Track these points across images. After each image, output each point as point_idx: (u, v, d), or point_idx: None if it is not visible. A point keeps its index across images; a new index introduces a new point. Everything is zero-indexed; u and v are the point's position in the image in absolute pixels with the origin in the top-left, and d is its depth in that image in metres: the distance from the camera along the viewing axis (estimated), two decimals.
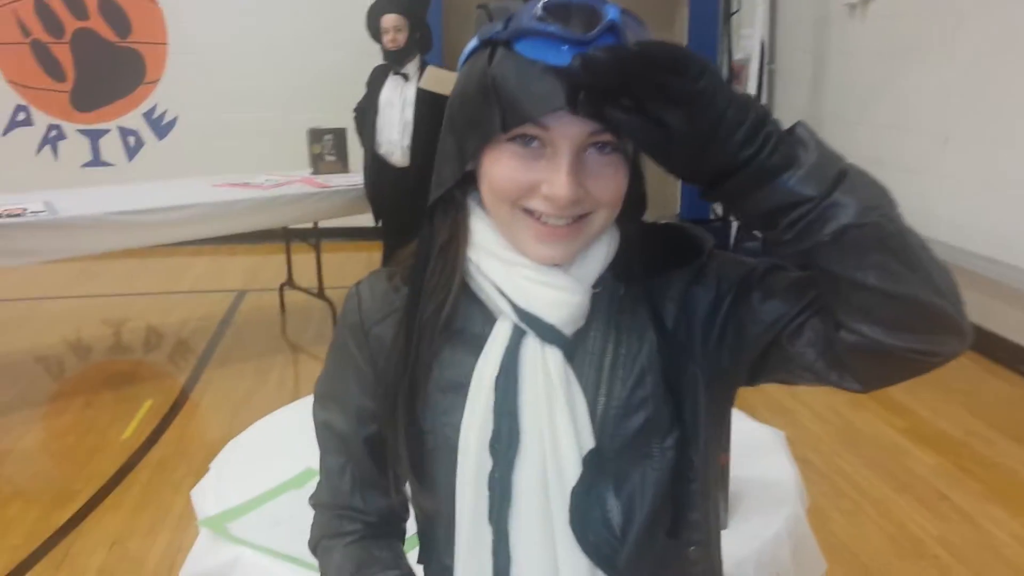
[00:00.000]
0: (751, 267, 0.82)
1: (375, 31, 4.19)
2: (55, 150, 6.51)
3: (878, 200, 0.69)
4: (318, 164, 4.78)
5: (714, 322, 0.82)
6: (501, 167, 0.77)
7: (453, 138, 0.80)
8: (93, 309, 5.20)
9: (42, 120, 6.45)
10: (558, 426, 0.79)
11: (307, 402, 1.99)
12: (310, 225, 4.76)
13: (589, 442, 0.79)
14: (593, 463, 0.79)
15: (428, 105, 4.06)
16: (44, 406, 3.85)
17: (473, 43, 0.79)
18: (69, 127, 6.50)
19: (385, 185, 4.30)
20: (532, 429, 0.80)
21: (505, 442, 0.80)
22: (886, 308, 0.69)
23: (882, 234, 0.68)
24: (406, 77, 4.20)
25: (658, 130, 0.67)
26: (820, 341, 0.75)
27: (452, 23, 6.38)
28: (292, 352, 4.54)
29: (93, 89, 6.47)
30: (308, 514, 1.51)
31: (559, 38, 0.71)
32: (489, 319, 0.83)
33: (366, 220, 4.47)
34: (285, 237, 4.94)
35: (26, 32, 6.32)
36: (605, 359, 0.81)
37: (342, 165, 4.80)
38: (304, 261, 4.92)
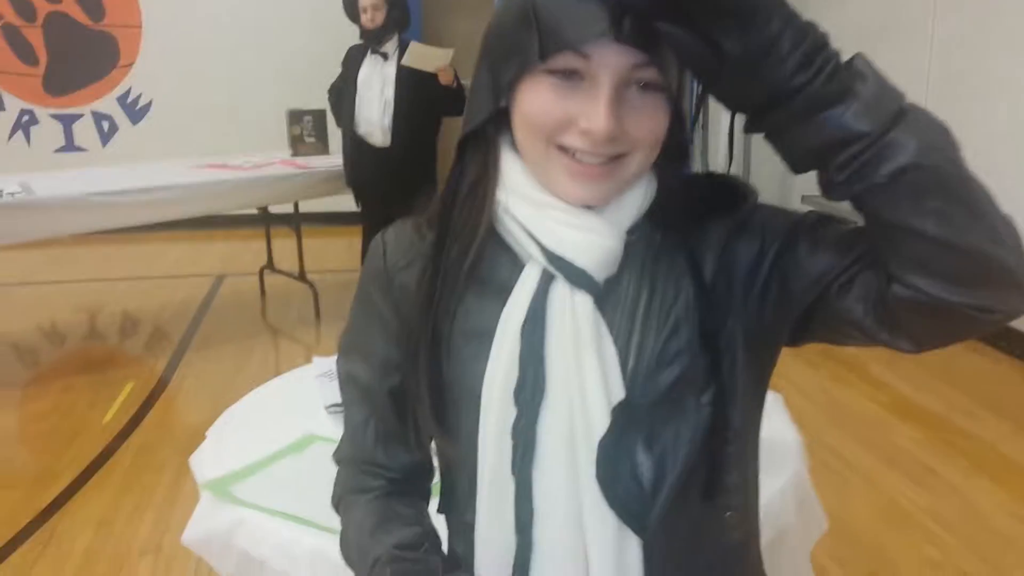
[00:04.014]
0: (798, 218, 0.78)
1: (352, 10, 4.14)
2: (27, 135, 6.39)
3: (941, 141, 0.65)
4: (297, 146, 4.73)
5: (756, 276, 0.77)
6: (537, 99, 0.74)
7: (488, 71, 0.77)
8: (68, 295, 5.12)
9: (14, 105, 6.33)
10: (586, 375, 0.75)
11: (300, 372, 1.98)
12: (290, 209, 4.71)
13: (619, 393, 0.76)
14: (623, 415, 0.75)
15: (409, 84, 4.03)
16: (20, 390, 3.77)
17: None
18: (42, 112, 6.38)
19: (365, 166, 4.25)
20: (559, 377, 0.77)
21: (530, 391, 0.77)
22: (944, 259, 0.65)
23: (943, 177, 0.64)
24: (385, 56, 4.15)
25: (708, 49, 0.64)
26: (871, 296, 0.71)
27: (430, 1, 6.34)
28: (273, 335, 4.50)
29: (66, 73, 6.36)
30: (311, 477, 1.51)
31: None
32: (517, 266, 0.79)
33: (347, 204, 4.43)
34: (265, 222, 4.88)
35: None
36: (638, 309, 0.78)
37: (322, 146, 4.75)
38: (285, 246, 4.87)
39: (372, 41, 4.14)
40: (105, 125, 6.49)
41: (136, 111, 6.50)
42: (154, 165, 4.58)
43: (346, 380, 0.92)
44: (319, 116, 4.72)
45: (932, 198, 0.64)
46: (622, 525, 0.77)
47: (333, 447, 1.59)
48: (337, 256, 5.26)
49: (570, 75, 0.72)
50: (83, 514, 2.71)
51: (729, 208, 0.79)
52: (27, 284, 5.30)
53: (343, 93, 4.25)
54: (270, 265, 4.94)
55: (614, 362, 0.76)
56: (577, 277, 0.76)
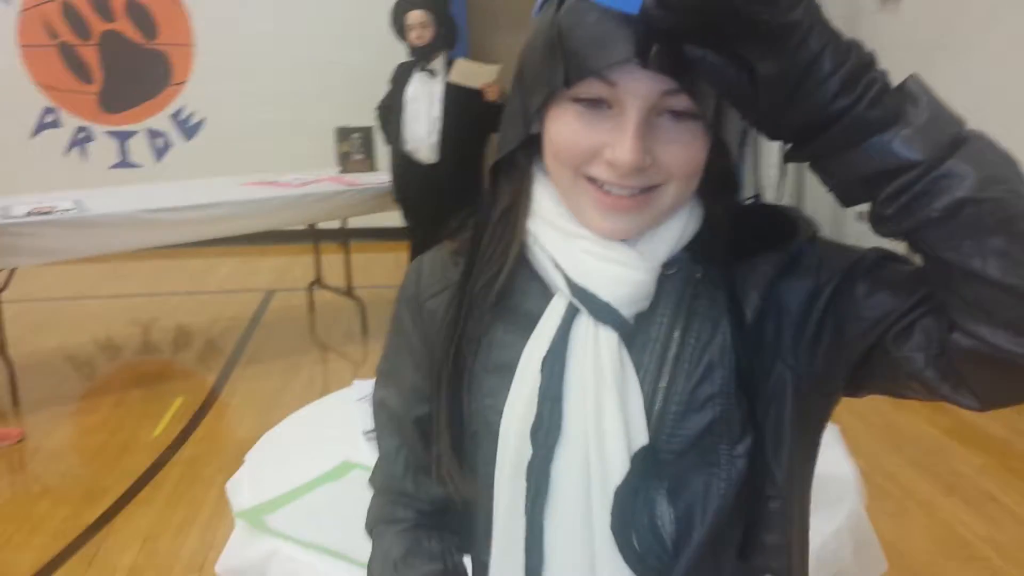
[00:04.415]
0: (858, 256, 0.71)
1: (400, 28, 4.16)
2: (84, 152, 6.54)
3: (1005, 172, 0.59)
4: (346, 163, 4.76)
5: (809, 317, 0.71)
6: (563, 128, 0.70)
7: (519, 96, 0.73)
8: (122, 309, 5.20)
9: (71, 122, 6.48)
10: (605, 416, 0.70)
11: (341, 395, 1.97)
12: (339, 225, 4.74)
13: (641, 438, 0.70)
14: (643, 462, 0.70)
15: (456, 100, 4.02)
16: (73, 404, 3.84)
17: None
18: (97, 129, 6.52)
19: (412, 183, 4.26)
20: (576, 417, 0.72)
21: (546, 429, 0.72)
22: (1009, 307, 0.58)
23: (1008, 214, 0.57)
24: (432, 73, 4.16)
25: (741, 73, 0.59)
26: (932, 346, 0.64)
27: (476, 18, 6.35)
28: (321, 351, 4.51)
29: (121, 91, 6.49)
30: (347, 507, 1.48)
31: None
32: (547, 297, 0.75)
33: (394, 219, 4.44)
34: (314, 237, 4.92)
35: (53, 34, 6.35)
36: (669, 348, 0.72)
37: (370, 163, 4.78)
38: (333, 261, 4.90)
39: (420, 58, 4.16)
40: (159, 142, 6.62)
41: (189, 128, 6.61)
42: (205, 182, 4.64)
43: (379, 407, 0.90)
44: (367, 133, 4.75)
45: (994, 236, 0.57)
46: None
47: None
48: (385, 272, 5.27)
49: (597, 103, 0.68)
50: (129, 530, 2.74)
51: (781, 242, 0.73)
52: (83, 298, 5.41)
53: (391, 110, 4.26)
54: (319, 281, 4.96)
55: (638, 404, 0.71)
56: (601, 311, 0.71)
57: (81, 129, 6.50)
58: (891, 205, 0.60)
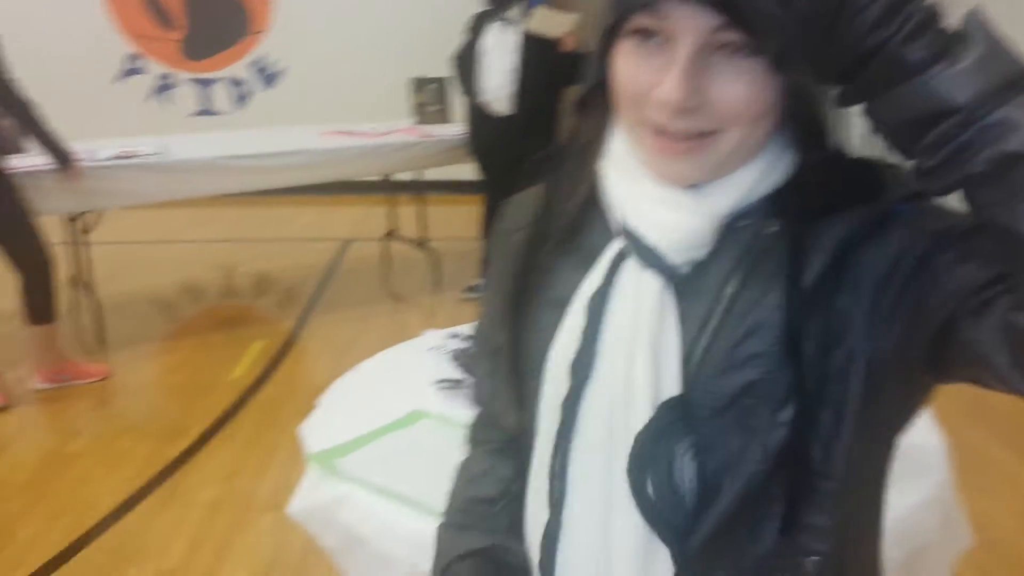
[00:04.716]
0: (953, 221, 0.63)
1: None
2: (166, 98, 6.67)
3: None
4: (421, 113, 4.75)
5: (888, 287, 0.64)
6: (621, 66, 0.67)
7: (598, 35, 0.71)
8: (205, 254, 5.34)
9: (154, 69, 6.61)
10: (636, 361, 0.68)
11: (412, 344, 1.97)
12: (413, 177, 4.74)
13: (671, 388, 0.67)
14: (669, 411, 0.67)
15: (534, 49, 3.95)
16: (157, 344, 3.97)
17: None
18: (180, 76, 6.64)
19: (487, 135, 4.22)
20: (608, 358, 0.70)
21: (582, 367, 0.71)
22: None
23: None
24: (509, 22, 4.09)
25: (779, 5, 0.56)
26: (1003, 328, 0.57)
27: None
28: (394, 301, 4.56)
29: (203, 38, 6.59)
30: (415, 455, 1.49)
31: None
32: (610, 236, 0.73)
33: (469, 172, 4.42)
34: (389, 188, 4.94)
35: None
36: (720, 302, 0.68)
37: (445, 114, 4.75)
38: (408, 213, 4.92)
39: (497, 7, 4.09)
40: (240, 90, 6.71)
41: (268, 76, 6.68)
42: (285, 130, 4.69)
43: (476, 332, 0.94)
44: (442, 84, 4.71)
45: None
46: (652, 538, 0.68)
47: (440, 425, 1.58)
48: (459, 224, 5.27)
49: (650, 37, 0.64)
50: (209, 467, 2.82)
51: (873, 200, 0.66)
52: (169, 243, 5.57)
53: (466, 61, 4.21)
54: (393, 232, 5.00)
55: (674, 354, 0.68)
56: (647, 255, 0.69)
57: (164, 76, 6.63)
58: (933, 156, 0.55)
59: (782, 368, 0.65)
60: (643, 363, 0.68)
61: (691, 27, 0.61)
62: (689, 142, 0.65)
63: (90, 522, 2.53)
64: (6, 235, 3.16)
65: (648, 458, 0.68)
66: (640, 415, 0.68)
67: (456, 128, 4.51)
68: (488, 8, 4.14)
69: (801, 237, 0.66)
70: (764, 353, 0.66)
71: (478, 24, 4.18)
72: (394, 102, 5.14)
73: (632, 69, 0.66)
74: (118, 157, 3.73)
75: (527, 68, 4.03)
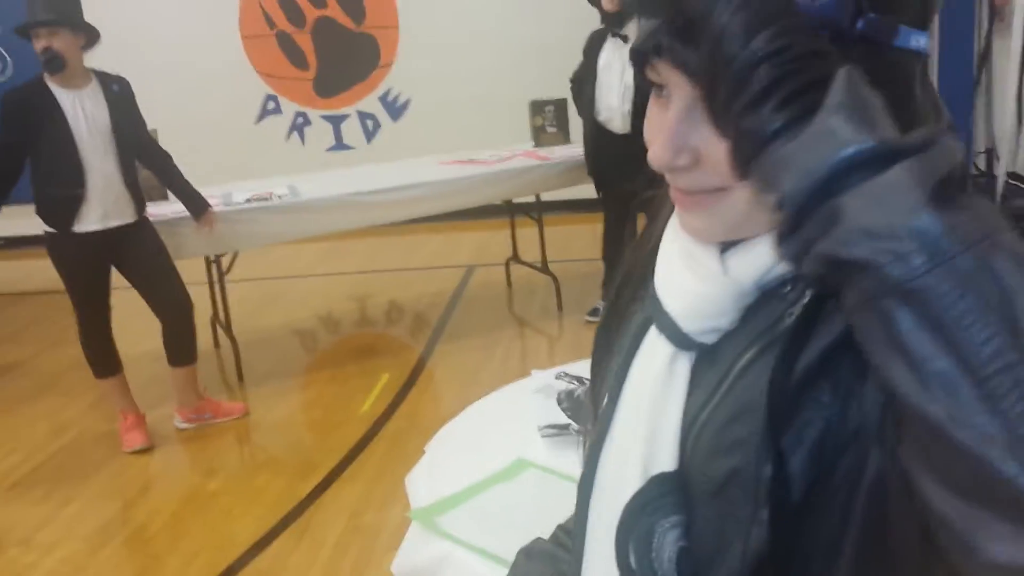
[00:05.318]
0: None
1: None
2: (302, 136, 6.95)
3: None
4: (539, 136, 4.75)
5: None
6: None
7: None
8: (338, 286, 5.50)
9: (289, 108, 6.89)
10: (637, 430, 0.65)
11: (519, 386, 1.94)
12: (533, 199, 4.74)
13: (666, 462, 0.63)
14: (657, 486, 0.63)
15: None
16: (292, 379, 4.10)
17: None
18: (313, 113, 6.91)
19: (605, 153, 4.16)
20: (621, 421, 0.68)
21: (604, 422, 0.69)
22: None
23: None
24: (626, 39, 4.02)
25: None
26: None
27: None
28: (518, 327, 4.55)
29: (333, 75, 6.82)
30: (518, 511, 1.45)
31: None
32: None
33: (588, 191, 4.37)
34: (509, 212, 4.96)
35: (271, 24, 6.76)
36: (728, 376, 0.61)
37: (563, 136, 4.74)
38: (528, 235, 4.92)
39: (613, 24, 4.04)
40: (369, 124, 6.91)
41: (396, 108, 6.85)
42: (407, 163, 4.79)
43: None
44: (560, 105, 4.71)
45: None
46: None
47: (544, 475, 1.54)
48: (580, 245, 5.22)
49: (661, 90, 0.60)
50: (337, 505, 2.88)
51: None
52: (306, 276, 5.78)
53: (584, 81, 4.18)
54: (515, 256, 5.00)
55: (672, 428, 0.63)
56: (661, 320, 0.65)
57: (299, 115, 6.91)
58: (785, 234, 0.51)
59: (762, 460, 0.57)
60: (641, 433, 0.64)
61: (680, 82, 0.57)
62: (695, 197, 0.60)
63: (229, 559, 2.62)
64: (149, 281, 3.34)
65: (630, 529, 0.64)
66: (631, 484, 0.64)
67: (575, 149, 4.48)
68: (604, 26, 4.09)
69: (815, 310, 0.57)
70: (746, 440, 0.58)
71: (595, 43, 4.14)
72: (514, 126, 5.16)
73: (647, 123, 0.62)
74: (252, 200, 3.90)
75: (645, 84, 3.93)
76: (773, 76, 0.48)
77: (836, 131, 0.46)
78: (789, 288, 0.60)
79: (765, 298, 0.61)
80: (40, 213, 3.14)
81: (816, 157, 0.46)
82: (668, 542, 0.62)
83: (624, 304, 0.74)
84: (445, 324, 4.59)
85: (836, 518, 0.56)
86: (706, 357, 0.63)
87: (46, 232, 3.16)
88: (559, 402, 1.73)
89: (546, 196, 4.75)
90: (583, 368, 1.79)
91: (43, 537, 2.84)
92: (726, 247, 0.62)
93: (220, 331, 4.27)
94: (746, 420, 0.58)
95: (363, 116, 6.89)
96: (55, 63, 3.02)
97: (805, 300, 0.58)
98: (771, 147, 0.48)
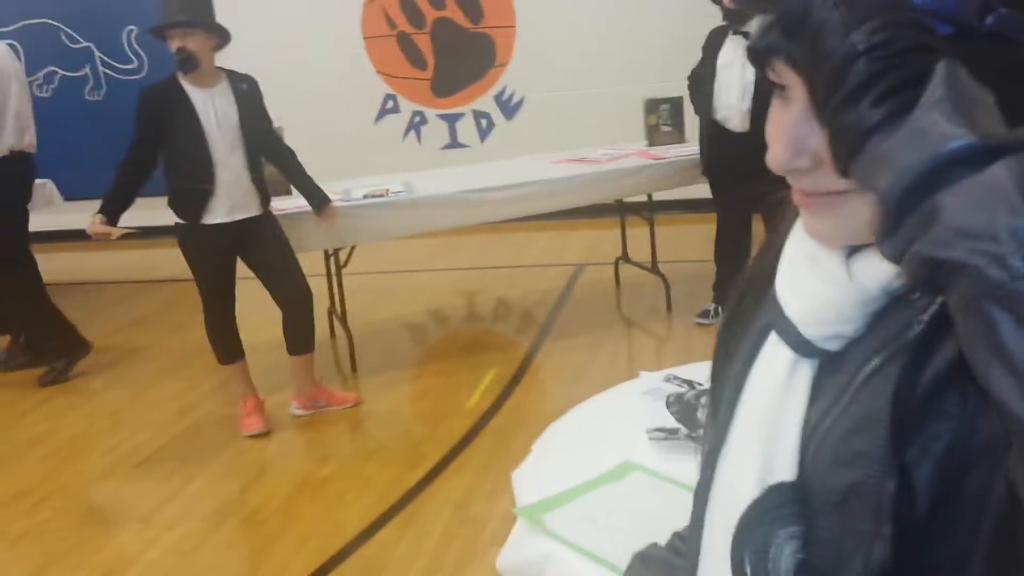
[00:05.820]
0: None
1: None
2: (419, 135, 7.09)
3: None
4: (653, 135, 4.70)
5: None
6: None
7: None
8: (449, 282, 5.59)
9: (407, 107, 7.04)
10: (755, 438, 0.63)
11: (628, 387, 1.92)
12: (645, 198, 4.69)
13: (784, 472, 0.60)
14: (774, 496, 0.60)
15: None
16: (403, 371, 4.19)
17: None
18: (430, 112, 7.03)
19: (722, 152, 4.08)
20: (740, 428, 0.66)
21: (720, 429, 0.68)
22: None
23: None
24: (747, 36, 3.93)
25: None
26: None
27: None
28: (626, 327, 4.52)
29: (450, 75, 6.93)
30: (623, 514, 1.44)
31: None
32: None
33: (702, 191, 4.29)
34: (620, 211, 4.92)
35: (392, 25, 6.92)
36: (852, 385, 0.59)
37: (678, 135, 4.67)
38: (640, 235, 4.87)
39: (734, 21, 3.95)
40: (483, 123, 6.99)
41: (510, 108, 6.90)
42: (519, 161, 4.82)
43: None
44: (676, 104, 4.64)
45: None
46: None
47: (651, 479, 1.52)
48: (691, 245, 5.13)
49: (782, 90, 0.58)
50: (444, 496, 2.93)
51: None
52: (418, 271, 5.89)
53: (702, 79, 4.11)
54: (624, 255, 4.96)
55: (792, 437, 0.61)
56: (781, 325, 0.63)
57: (416, 114, 7.05)
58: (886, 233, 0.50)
59: (885, 475, 0.54)
60: (758, 441, 0.63)
61: (799, 82, 0.55)
62: (817, 199, 0.59)
63: (338, 545, 2.70)
64: (272, 272, 3.47)
65: (747, 539, 0.62)
66: (748, 493, 0.62)
67: (689, 148, 4.42)
68: (725, 23, 4.01)
69: (945, 317, 0.53)
70: (868, 453, 0.56)
71: (715, 40, 4.07)
72: (628, 125, 5.12)
73: (769, 124, 0.60)
74: (368, 196, 4.00)
75: (767, 81, 3.84)
76: (872, 70, 0.47)
77: (934, 127, 0.45)
78: (919, 294, 0.57)
79: (894, 304, 0.59)
80: (171, 205, 3.31)
81: (914, 154, 0.45)
82: (785, 554, 0.60)
83: (747, 308, 0.72)
84: (552, 322, 4.60)
85: (964, 535, 0.53)
86: (830, 365, 0.61)
87: (177, 223, 3.32)
88: (668, 405, 1.70)
89: (658, 195, 4.69)
90: (693, 371, 1.76)
91: (163, 514, 2.98)
92: (852, 251, 0.60)
93: (336, 322, 4.40)
94: (868, 432, 0.56)
95: (478, 115, 6.97)
96: (189, 63, 3.17)
97: (935, 307, 0.55)
98: (869, 144, 0.47)
